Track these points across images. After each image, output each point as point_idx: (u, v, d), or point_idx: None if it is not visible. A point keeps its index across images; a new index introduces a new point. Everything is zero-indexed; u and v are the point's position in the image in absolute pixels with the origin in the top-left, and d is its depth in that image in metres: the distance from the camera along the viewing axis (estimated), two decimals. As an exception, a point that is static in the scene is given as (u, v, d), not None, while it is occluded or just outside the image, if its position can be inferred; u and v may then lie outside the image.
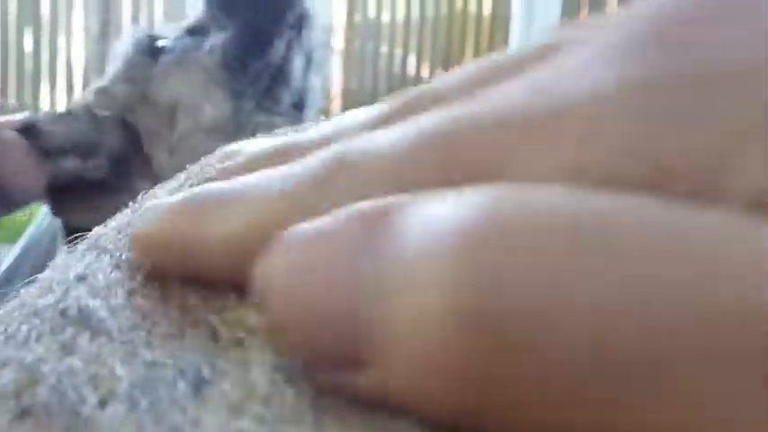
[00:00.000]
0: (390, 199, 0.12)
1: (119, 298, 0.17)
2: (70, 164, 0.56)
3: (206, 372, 0.14)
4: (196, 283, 0.17)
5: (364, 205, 0.12)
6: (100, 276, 0.18)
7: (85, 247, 0.20)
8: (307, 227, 0.13)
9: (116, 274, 0.17)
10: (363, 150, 0.13)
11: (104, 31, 2.92)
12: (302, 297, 0.12)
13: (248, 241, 0.14)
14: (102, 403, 0.14)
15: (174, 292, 0.17)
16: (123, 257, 0.18)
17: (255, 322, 0.15)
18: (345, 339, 0.12)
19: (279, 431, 0.12)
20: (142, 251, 0.16)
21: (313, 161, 0.14)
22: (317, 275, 0.12)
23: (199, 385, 0.14)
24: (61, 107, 2.92)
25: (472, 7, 2.92)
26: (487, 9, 2.90)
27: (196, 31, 0.59)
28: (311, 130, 0.16)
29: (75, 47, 2.92)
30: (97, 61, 2.95)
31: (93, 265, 0.19)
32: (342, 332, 0.12)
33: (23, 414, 0.14)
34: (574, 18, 2.79)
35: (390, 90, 2.94)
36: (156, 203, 0.16)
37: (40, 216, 0.85)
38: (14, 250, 0.84)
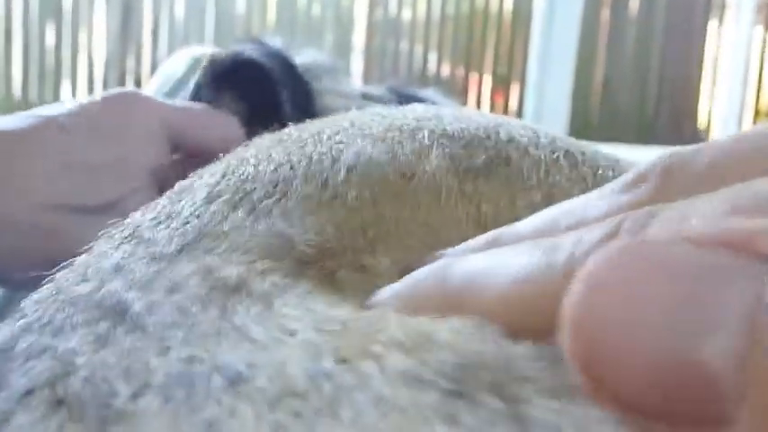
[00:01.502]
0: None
1: (156, 293, 0.17)
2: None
3: (242, 368, 0.14)
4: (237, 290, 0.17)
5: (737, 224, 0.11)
6: (136, 269, 0.18)
7: (123, 236, 0.19)
8: (635, 245, 0.11)
9: (154, 268, 0.18)
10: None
11: (125, 27, 2.93)
12: (643, 342, 0.11)
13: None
14: (136, 395, 0.13)
15: (216, 294, 0.17)
16: (161, 251, 0.18)
17: (295, 326, 0.15)
18: (709, 393, 0.10)
19: (315, 426, 0.12)
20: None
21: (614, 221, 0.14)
22: (664, 314, 0.11)
23: (235, 380, 0.13)
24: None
25: (493, 4, 2.90)
26: (508, 6, 2.89)
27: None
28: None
29: (97, 43, 2.93)
30: (118, 57, 2.96)
31: (130, 256, 0.18)
32: (704, 385, 0.10)
33: (58, 404, 0.14)
34: (595, 16, 2.78)
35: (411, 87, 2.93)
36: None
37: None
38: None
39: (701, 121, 2.92)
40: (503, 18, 2.90)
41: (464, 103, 2.82)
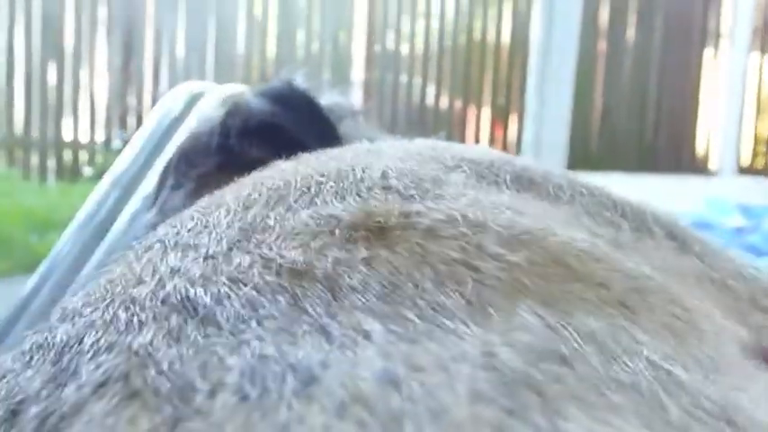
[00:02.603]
0: None
1: (221, 286, 0.17)
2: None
3: (316, 369, 0.14)
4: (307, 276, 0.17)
5: None
6: (193, 268, 0.18)
7: (165, 246, 0.20)
8: None
9: (210, 264, 0.18)
10: None
11: (126, 65, 2.95)
12: None
13: None
14: (213, 393, 0.14)
15: (283, 282, 0.17)
16: (212, 251, 0.19)
17: (369, 327, 0.15)
18: None
19: None
20: None
21: None
22: None
23: (307, 381, 0.13)
24: (84, 139, 2.96)
25: (491, 37, 2.93)
26: (506, 38, 2.91)
27: None
28: None
29: (98, 80, 2.95)
30: (119, 95, 2.98)
31: (182, 259, 0.19)
32: None
33: (132, 396, 0.14)
34: (592, 46, 2.79)
35: (409, 120, 2.95)
36: None
37: (60, 243, 0.86)
38: (32, 279, 0.85)
39: (700, 149, 2.92)
40: (500, 50, 2.93)
41: (463, 135, 2.84)
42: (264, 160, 0.54)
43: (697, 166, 2.89)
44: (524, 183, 0.23)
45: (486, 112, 2.94)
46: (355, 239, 0.18)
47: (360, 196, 0.20)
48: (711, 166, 2.87)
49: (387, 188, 0.21)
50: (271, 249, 0.18)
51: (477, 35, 2.95)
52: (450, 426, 0.12)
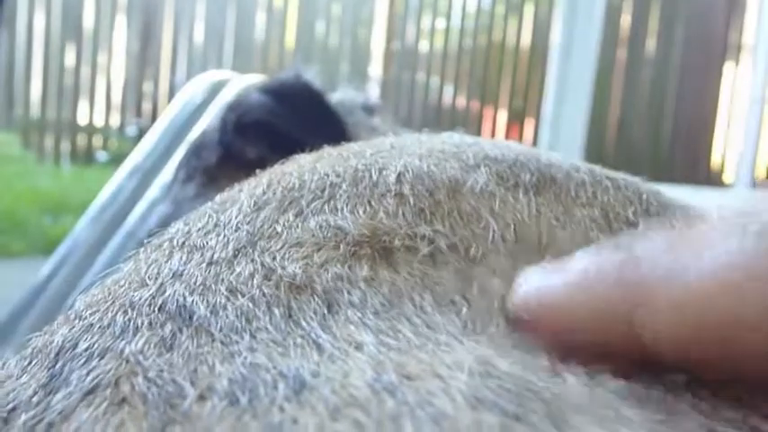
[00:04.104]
0: None
1: (219, 296, 0.17)
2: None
3: (307, 377, 0.14)
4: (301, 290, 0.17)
5: None
6: (196, 273, 0.18)
7: (173, 245, 0.20)
8: None
9: (212, 271, 0.18)
10: None
11: (144, 50, 2.96)
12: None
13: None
14: (202, 398, 0.14)
15: (281, 294, 0.17)
16: (217, 255, 0.19)
17: (361, 339, 0.15)
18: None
19: None
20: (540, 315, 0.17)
21: None
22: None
23: (299, 389, 0.14)
24: (99, 124, 2.96)
25: (511, 39, 2.92)
26: (526, 41, 2.90)
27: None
28: None
29: (116, 65, 2.96)
30: (136, 80, 2.98)
31: (186, 262, 0.19)
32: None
33: (120, 403, 0.14)
34: (612, 52, 2.78)
35: (425, 118, 2.94)
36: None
37: (78, 228, 0.85)
38: (50, 262, 0.84)
39: (716, 161, 2.91)
40: (520, 52, 2.92)
41: (478, 136, 2.84)
42: (261, 157, 0.54)
43: (712, 179, 2.88)
44: (546, 182, 0.23)
45: (503, 114, 2.93)
46: (359, 257, 0.18)
47: (371, 205, 0.20)
48: (726, 178, 2.86)
49: (399, 195, 0.21)
50: (274, 259, 0.18)
51: (497, 36, 2.95)
52: (452, 430, 0.12)
